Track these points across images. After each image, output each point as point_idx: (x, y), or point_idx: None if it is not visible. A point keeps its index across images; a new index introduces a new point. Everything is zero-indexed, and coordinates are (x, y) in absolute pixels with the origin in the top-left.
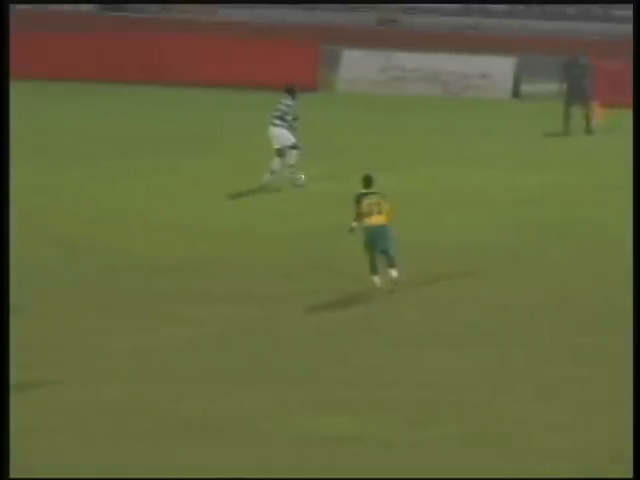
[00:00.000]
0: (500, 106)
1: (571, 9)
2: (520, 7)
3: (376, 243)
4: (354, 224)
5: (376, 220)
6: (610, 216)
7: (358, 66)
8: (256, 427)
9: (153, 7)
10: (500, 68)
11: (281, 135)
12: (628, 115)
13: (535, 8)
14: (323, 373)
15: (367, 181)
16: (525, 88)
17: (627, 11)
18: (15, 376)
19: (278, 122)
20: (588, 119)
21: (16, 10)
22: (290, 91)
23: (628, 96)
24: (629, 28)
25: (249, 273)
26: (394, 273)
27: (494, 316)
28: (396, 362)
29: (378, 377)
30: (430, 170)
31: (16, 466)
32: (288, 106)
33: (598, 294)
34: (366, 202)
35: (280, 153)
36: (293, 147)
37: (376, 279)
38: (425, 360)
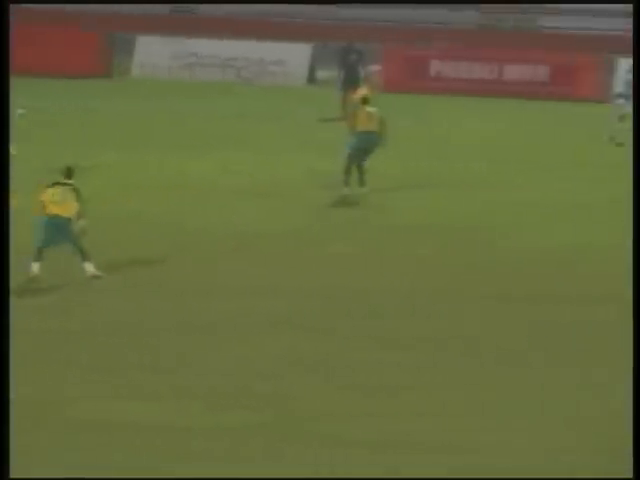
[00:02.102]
0: (295, 92)
1: None
2: None
3: (48, 234)
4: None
5: (56, 210)
6: (400, 198)
7: (152, 53)
8: (60, 412)
9: None
10: (296, 55)
11: None
12: (425, 100)
13: None
14: (129, 361)
15: (67, 172)
16: (320, 74)
17: None
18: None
19: None
20: None
21: None
22: None
23: (428, 82)
24: (434, 13)
25: None
26: (89, 267)
27: (283, 303)
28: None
29: (182, 365)
30: (225, 156)
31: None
32: None
33: (378, 281)
34: (51, 192)
35: None
36: None
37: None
38: (225, 350)
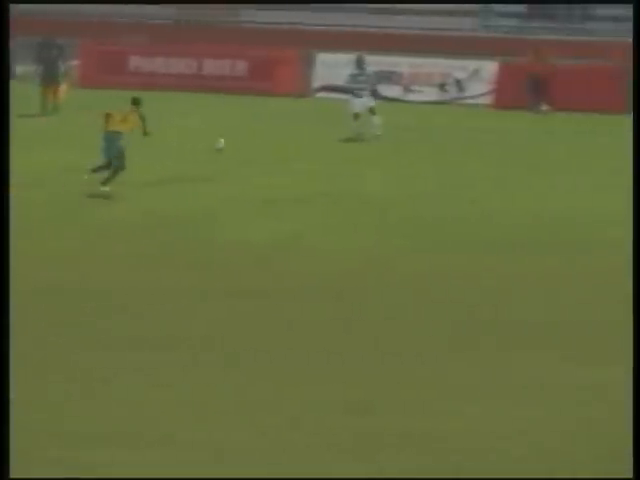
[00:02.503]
0: None
1: None
2: None
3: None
4: None
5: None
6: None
7: None
8: None
9: None
10: None
11: None
12: (122, 94)
13: None
14: None
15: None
16: (19, 69)
17: None
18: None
19: None
20: (55, 98)
21: None
22: None
23: (127, 77)
24: (130, 8)
25: None
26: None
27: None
28: None
29: None
30: None
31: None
32: None
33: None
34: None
35: None
36: None
37: None
38: None
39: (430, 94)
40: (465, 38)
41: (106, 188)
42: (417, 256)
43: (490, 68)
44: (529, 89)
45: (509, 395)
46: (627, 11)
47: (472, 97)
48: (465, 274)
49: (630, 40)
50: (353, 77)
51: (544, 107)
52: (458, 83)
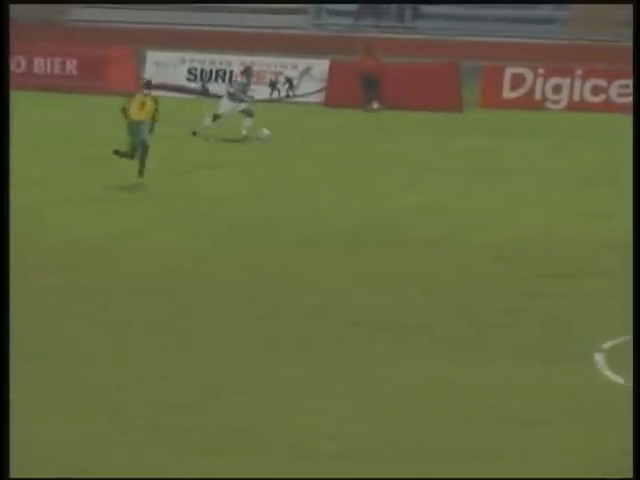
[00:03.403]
0: None
1: None
2: None
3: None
4: None
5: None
6: None
7: None
8: None
9: None
10: None
11: None
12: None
13: None
14: None
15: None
16: None
17: None
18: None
19: None
20: None
21: None
22: None
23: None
24: None
25: None
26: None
27: None
28: None
29: None
30: None
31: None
32: None
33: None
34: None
35: None
36: None
37: None
38: None
39: (262, 93)
40: (296, 36)
41: (141, 179)
42: (249, 255)
43: (321, 66)
44: (361, 87)
45: (343, 391)
46: (457, 9)
47: (303, 95)
48: (298, 272)
49: (460, 38)
50: (237, 83)
51: (375, 105)
52: (289, 81)
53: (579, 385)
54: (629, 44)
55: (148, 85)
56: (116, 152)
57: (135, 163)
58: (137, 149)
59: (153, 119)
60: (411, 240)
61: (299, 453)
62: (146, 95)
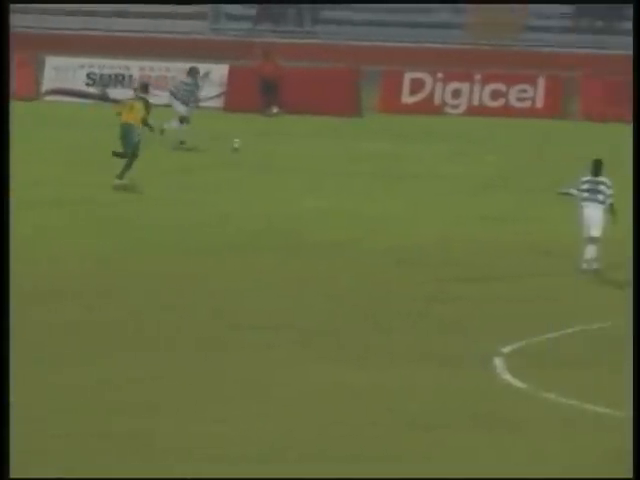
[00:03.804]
0: None
1: None
2: None
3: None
4: None
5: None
6: None
7: None
8: None
9: None
10: None
11: None
12: None
13: None
14: None
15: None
16: None
17: None
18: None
19: None
20: None
21: None
22: None
23: None
24: None
25: None
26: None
27: None
28: None
29: None
30: None
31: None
32: None
33: None
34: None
35: None
36: None
37: None
38: None
39: (162, 97)
40: (195, 41)
41: (121, 181)
42: (154, 260)
43: (220, 71)
44: (260, 92)
45: (246, 394)
46: (356, 14)
47: (203, 100)
48: (202, 276)
49: (360, 43)
50: (185, 84)
51: (275, 110)
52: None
53: (479, 389)
54: (528, 49)
55: (143, 88)
56: (114, 153)
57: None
58: (127, 150)
59: (143, 123)
60: (313, 244)
61: (199, 456)
62: (138, 99)
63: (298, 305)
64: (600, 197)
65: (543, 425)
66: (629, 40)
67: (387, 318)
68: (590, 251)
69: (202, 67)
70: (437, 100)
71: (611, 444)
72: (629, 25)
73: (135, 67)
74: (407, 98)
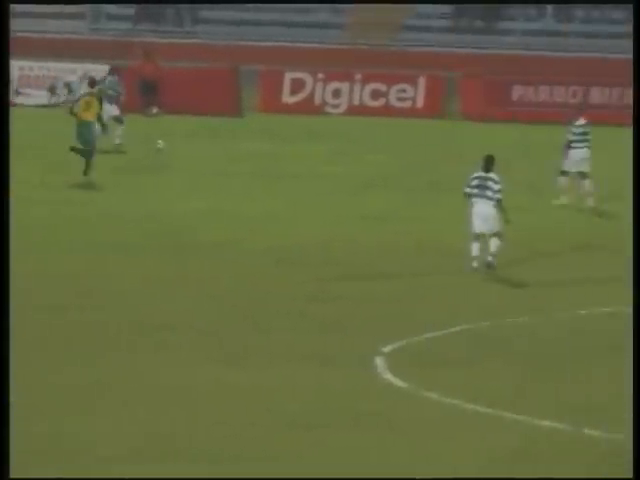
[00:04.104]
0: None
1: None
2: None
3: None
4: None
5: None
6: None
7: None
8: None
9: None
10: None
11: None
12: None
13: None
14: None
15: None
16: None
17: None
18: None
19: None
20: None
21: None
22: None
23: None
24: None
25: None
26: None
27: None
28: None
29: None
30: None
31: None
32: None
33: None
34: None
35: None
36: None
37: None
38: None
39: (40, 98)
40: (74, 41)
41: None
42: (32, 259)
43: (100, 71)
44: (140, 92)
45: (127, 395)
46: (237, 14)
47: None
48: (81, 275)
49: (240, 43)
50: (110, 82)
51: (154, 110)
52: (68, 86)
53: (360, 388)
54: (408, 49)
55: (92, 84)
56: (71, 148)
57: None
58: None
59: (98, 119)
60: (193, 245)
61: (73, 456)
62: (92, 95)
63: (179, 306)
64: (489, 193)
65: (425, 425)
66: (508, 40)
67: (267, 318)
68: (475, 248)
69: (82, 67)
70: (317, 100)
71: (494, 444)
72: (508, 25)
73: (14, 67)
74: (287, 98)
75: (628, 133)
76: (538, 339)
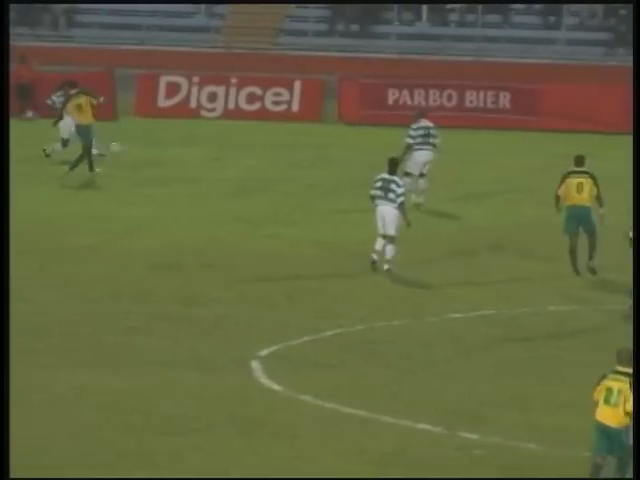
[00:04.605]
0: None
1: None
2: None
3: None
4: None
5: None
6: None
7: None
8: None
9: None
10: None
11: None
12: None
13: None
14: None
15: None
16: None
17: None
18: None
19: None
20: None
21: None
22: None
23: None
24: None
25: None
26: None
27: None
28: None
29: None
30: None
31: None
32: None
33: None
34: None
35: None
36: None
37: None
38: None
39: None
40: None
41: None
42: None
43: None
44: (15, 96)
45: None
46: (112, 18)
47: None
48: None
49: (115, 46)
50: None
51: (30, 114)
52: None
53: (236, 392)
54: (284, 52)
55: (72, 85)
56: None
57: None
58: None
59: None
60: (69, 248)
61: None
62: (79, 96)
63: (54, 310)
64: (391, 195)
65: (300, 428)
66: (384, 43)
67: (144, 322)
68: (380, 248)
69: None
70: (193, 103)
71: (368, 446)
72: (384, 29)
73: None
74: (163, 102)
75: (506, 136)
76: (411, 342)
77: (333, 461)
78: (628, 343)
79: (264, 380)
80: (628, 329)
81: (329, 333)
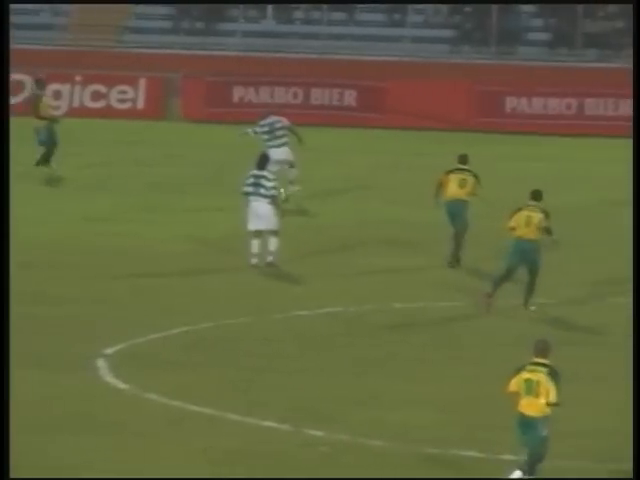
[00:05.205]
0: None
1: None
2: None
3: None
4: None
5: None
6: None
7: None
8: None
9: None
10: None
11: None
12: None
13: None
14: None
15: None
16: None
17: None
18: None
19: None
20: None
21: None
22: None
23: None
24: None
25: None
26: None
27: None
28: None
29: None
30: None
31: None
32: None
33: None
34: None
35: None
36: None
37: None
38: None
39: None
40: None
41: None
42: None
43: None
44: None
45: None
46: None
47: None
48: None
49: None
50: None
51: None
52: None
53: (81, 391)
54: (129, 50)
55: (39, 85)
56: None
57: None
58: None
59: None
60: None
61: None
62: (37, 96)
63: None
64: (262, 190)
65: (146, 426)
66: (229, 41)
67: None
68: (256, 250)
69: None
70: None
71: (213, 444)
72: (229, 26)
73: None
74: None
75: (352, 134)
76: (257, 340)
77: (178, 459)
78: (471, 339)
79: (110, 379)
80: (474, 325)
81: (175, 331)
